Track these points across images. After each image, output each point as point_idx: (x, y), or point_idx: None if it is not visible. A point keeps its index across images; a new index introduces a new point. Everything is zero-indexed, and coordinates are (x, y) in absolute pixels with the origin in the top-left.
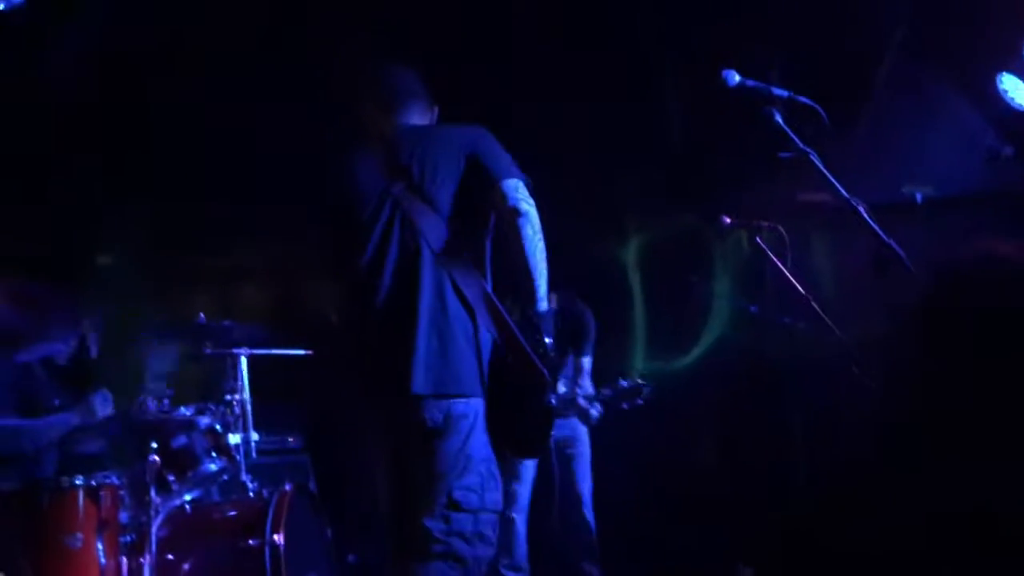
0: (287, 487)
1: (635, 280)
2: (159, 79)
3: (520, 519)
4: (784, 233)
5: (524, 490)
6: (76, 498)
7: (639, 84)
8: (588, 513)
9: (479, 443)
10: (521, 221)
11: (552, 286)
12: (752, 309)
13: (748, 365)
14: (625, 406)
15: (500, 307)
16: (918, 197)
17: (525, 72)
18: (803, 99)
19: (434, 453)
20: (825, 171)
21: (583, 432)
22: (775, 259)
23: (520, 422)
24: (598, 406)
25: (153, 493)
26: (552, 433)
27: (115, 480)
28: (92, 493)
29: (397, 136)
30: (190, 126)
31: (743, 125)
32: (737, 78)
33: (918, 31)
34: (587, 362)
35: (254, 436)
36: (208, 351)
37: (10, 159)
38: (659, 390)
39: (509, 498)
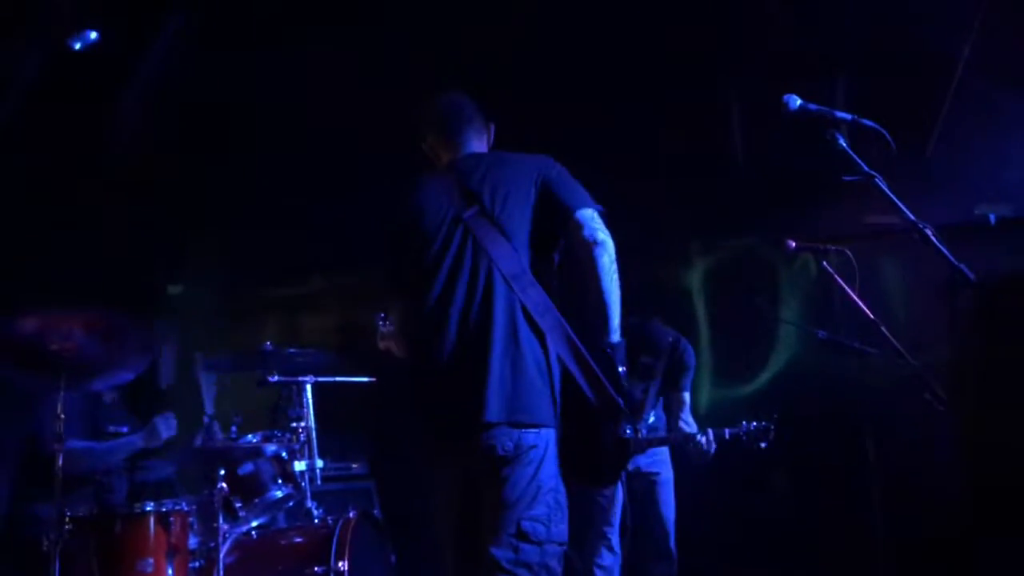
0: (351, 514)
1: (700, 305)
2: (237, 120)
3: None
4: (852, 256)
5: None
6: (147, 524)
7: (705, 107)
8: (671, 544)
9: (549, 473)
10: (598, 251)
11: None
12: (820, 334)
13: (817, 391)
14: (748, 445)
15: (574, 337)
16: (992, 218)
17: (591, 97)
18: (867, 122)
19: (504, 482)
20: (891, 194)
21: (666, 459)
22: (843, 283)
23: (593, 453)
24: (714, 444)
25: (221, 520)
26: (635, 461)
27: (184, 507)
28: (163, 519)
29: (464, 163)
30: (264, 163)
31: (808, 148)
32: (799, 102)
33: (988, 48)
34: (687, 396)
35: (319, 463)
36: (274, 379)
37: (89, 192)
38: (726, 417)
39: (603, 540)
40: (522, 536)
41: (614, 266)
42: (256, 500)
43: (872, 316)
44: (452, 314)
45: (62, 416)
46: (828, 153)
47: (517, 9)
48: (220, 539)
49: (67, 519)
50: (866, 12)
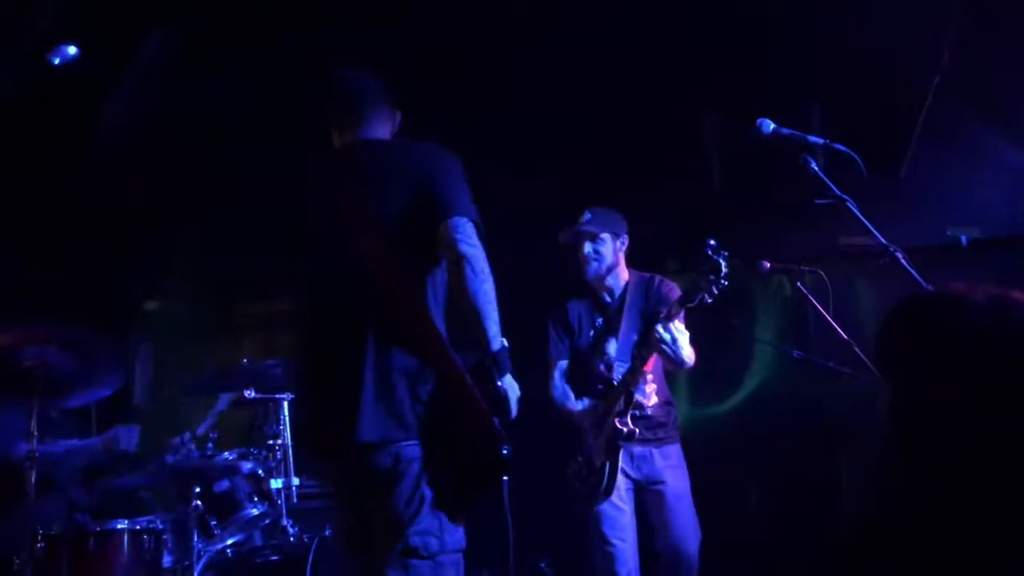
0: (328, 532)
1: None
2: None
3: None
4: (826, 277)
5: (627, 550)
6: (121, 541)
7: (680, 130)
8: (694, 563)
9: (432, 485)
10: (462, 263)
11: None
12: (795, 354)
13: (791, 410)
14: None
15: (449, 349)
16: (963, 240)
17: (565, 120)
18: (839, 146)
19: (386, 499)
20: (862, 217)
21: (677, 457)
22: (817, 304)
23: (472, 468)
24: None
25: (195, 537)
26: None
27: (158, 524)
28: (136, 537)
29: (352, 153)
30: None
31: (782, 171)
32: (772, 126)
33: (958, 74)
34: None
35: (295, 480)
36: (250, 395)
37: (65, 208)
38: (701, 437)
39: (608, 558)
40: (412, 552)
41: (480, 278)
42: (231, 518)
43: (846, 336)
44: (325, 321)
45: (35, 433)
46: (802, 176)
47: (486, 34)
48: (195, 557)
49: (39, 536)
50: (839, 38)
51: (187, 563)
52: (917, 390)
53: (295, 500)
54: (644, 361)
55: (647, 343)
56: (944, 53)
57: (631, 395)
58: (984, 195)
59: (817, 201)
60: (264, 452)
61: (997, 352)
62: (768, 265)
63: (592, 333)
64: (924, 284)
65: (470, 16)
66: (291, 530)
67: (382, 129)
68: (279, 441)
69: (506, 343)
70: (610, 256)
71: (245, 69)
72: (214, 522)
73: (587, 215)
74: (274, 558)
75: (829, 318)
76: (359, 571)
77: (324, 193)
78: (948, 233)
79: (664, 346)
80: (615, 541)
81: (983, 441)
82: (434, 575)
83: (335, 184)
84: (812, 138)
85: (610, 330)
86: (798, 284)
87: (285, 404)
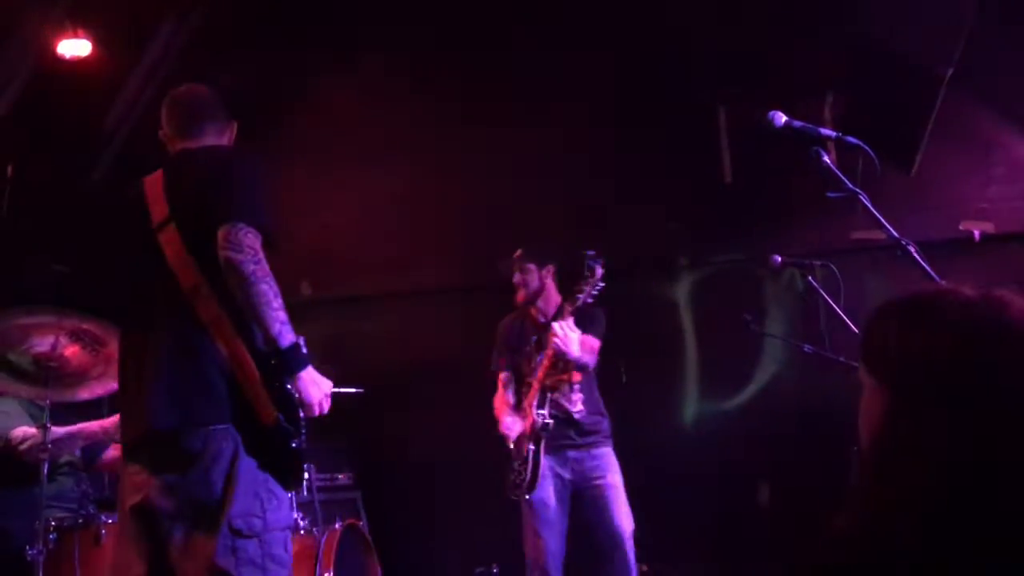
0: (337, 524)
1: (687, 319)
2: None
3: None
4: (837, 271)
5: (553, 539)
6: None
7: (692, 124)
8: (630, 553)
9: (247, 467)
10: (228, 271)
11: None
12: (805, 348)
13: (801, 405)
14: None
15: (239, 346)
16: (976, 235)
17: (578, 115)
18: (851, 139)
19: (195, 486)
20: (875, 211)
21: (609, 458)
22: (828, 298)
23: (277, 459)
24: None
25: None
26: (576, 464)
27: None
28: None
29: (174, 162)
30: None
31: (793, 165)
32: (783, 119)
33: (971, 67)
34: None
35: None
36: None
37: (75, 199)
38: (712, 431)
39: (538, 550)
40: (236, 533)
41: (247, 282)
42: None
43: (857, 330)
44: (137, 321)
45: (48, 424)
46: (814, 170)
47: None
48: None
49: (51, 527)
50: (852, 31)
51: None
52: (900, 392)
53: (305, 493)
54: (547, 356)
55: (546, 339)
56: (958, 47)
57: (544, 389)
58: (997, 190)
59: (829, 195)
60: None
61: (977, 353)
62: (779, 259)
63: (527, 348)
64: (936, 278)
65: (475, 9)
66: (301, 523)
67: (214, 138)
68: None
69: (300, 340)
70: (535, 282)
71: (256, 59)
72: None
73: (519, 251)
74: None
75: (840, 312)
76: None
77: (141, 202)
78: (961, 227)
79: (556, 339)
80: (544, 533)
81: (964, 443)
82: (263, 552)
83: (157, 193)
84: (824, 131)
85: (541, 345)
86: (809, 278)
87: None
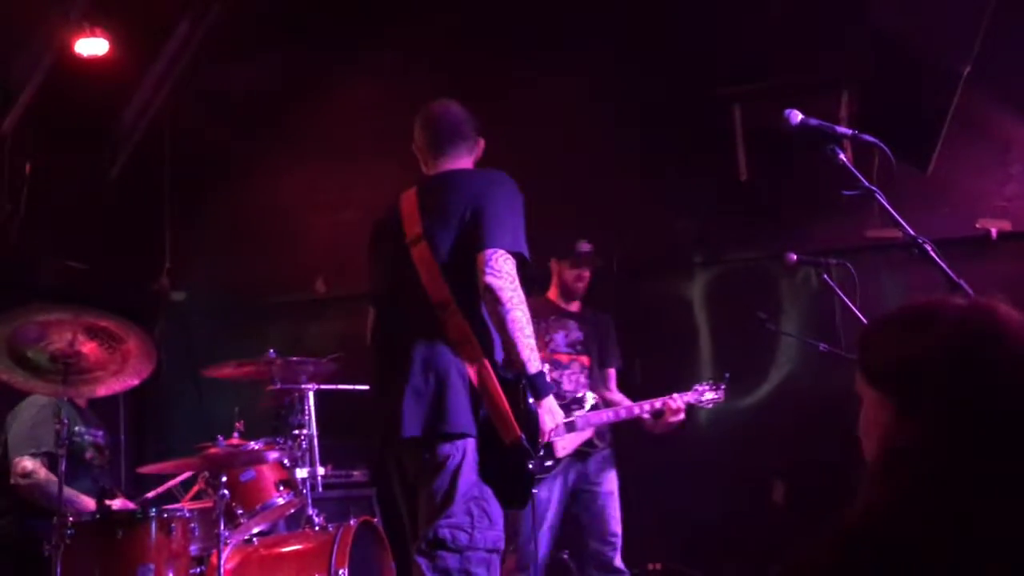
0: (352, 521)
1: (702, 317)
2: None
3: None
4: (853, 270)
5: (545, 538)
6: (149, 530)
7: (708, 122)
8: (617, 558)
9: (467, 482)
10: (487, 296)
11: None
12: (821, 347)
13: (816, 404)
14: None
15: (488, 366)
16: (993, 233)
17: (596, 114)
18: (867, 137)
19: (425, 491)
20: (891, 209)
21: (610, 463)
22: (844, 296)
23: (504, 477)
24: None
25: (222, 526)
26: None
27: (186, 513)
28: (164, 525)
29: (428, 183)
30: (267, 169)
31: (809, 162)
32: (799, 117)
33: (988, 64)
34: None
35: (320, 470)
36: (277, 386)
37: (93, 198)
38: (727, 429)
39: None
40: (439, 543)
41: (505, 307)
42: (257, 507)
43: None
44: (386, 334)
45: (65, 420)
46: (830, 168)
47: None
48: (221, 545)
49: (68, 523)
50: (869, 28)
51: (214, 551)
52: (901, 402)
53: (320, 489)
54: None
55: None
56: (976, 43)
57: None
58: (1015, 187)
59: (844, 192)
60: (290, 442)
61: (972, 358)
62: (795, 257)
63: (551, 335)
64: (954, 277)
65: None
66: (316, 519)
67: (463, 159)
68: (305, 431)
69: (544, 368)
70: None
71: (270, 59)
72: (240, 511)
73: (590, 244)
74: (299, 546)
75: (856, 311)
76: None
77: (394, 221)
78: (978, 225)
79: (678, 419)
80: (540, 532)
81: (964, 447)
82: (460, 567)
83: (411, 212)
84: (840, 129)
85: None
86: (825, 276)
87: (311, 395)
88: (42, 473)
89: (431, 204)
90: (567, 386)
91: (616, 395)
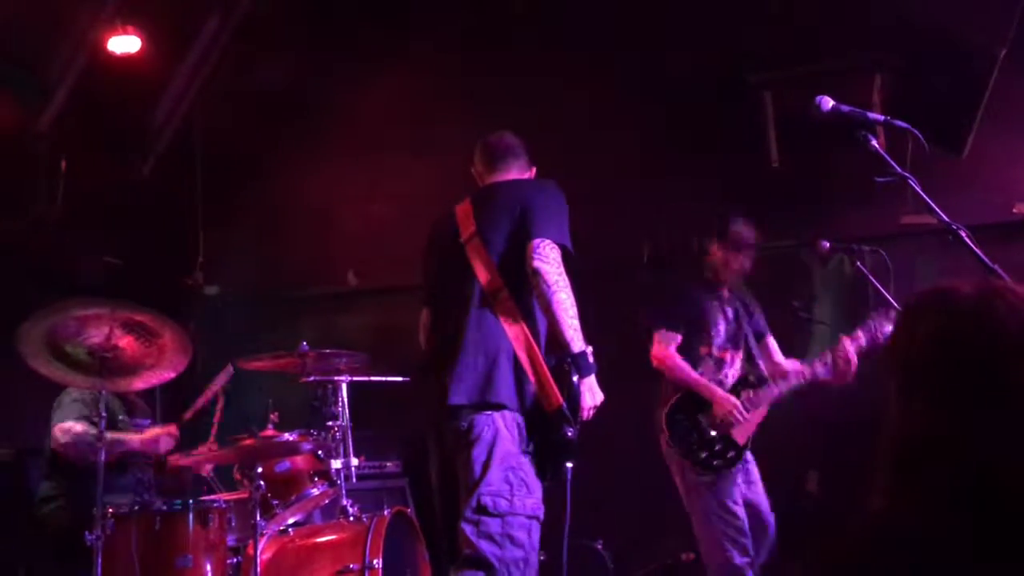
0: (386, 511)
1: None
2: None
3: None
4: (887, 257)
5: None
6: (187, 521)
7: (739, 109)
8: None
9: (505, 452)
10: (535, 279)
11: None
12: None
13: (850, 392)
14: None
15: (535, 345)
16: None
17: (626, 102)
18: (900, 123)
19: (467, 459)
20: (924, 195)
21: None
22: (877, 284)
23: (546, 445)
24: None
25: (258, 517)
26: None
27: (223, 504)
28: (202, 516)
29: (483, 191)
30: (298, 162)
31: (842, 149)
32: (831, 103)
33: (1023, 49)
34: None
35: (354, 461)
36: (310, 378)
37: (126, 193)
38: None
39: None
40: (482, 509)
41: (553, 289)
42: (293, 498)
43: None
44: (442, 315)
45: (103, 414)
46: (862, 154)
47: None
48: (257, 536)
49: (109, 514)
50: (901, 12)
51: (250, 541)
52: (911, 389)
53: (354, 480)
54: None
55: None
56: (1012, 26)
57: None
58: None
59: (877, 179)
60: (324, 433)
61: (987, 343)
62: (828, 244)
63: (722, 322)
64: (989, 263)
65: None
66: (351, 510)
67: (514, 175)
68: (339, 422)
69: (588, 349)
70: None
71: (300, 54)
72: (276, 502)
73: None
74: (334, 537)
75: (890, 298)
76: (447, 529)
77: (451, 222)
78: (1014, 211)
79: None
80: (736, 509)
81: (980, 441)
82: (502, 532)
83: (468, 214)
84: (872, 115)
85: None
86: (858, 264)
87: (344, 386)
88: (80, 426)
89: (484, 206)
90: (730, 381)
91: (785, 363)
